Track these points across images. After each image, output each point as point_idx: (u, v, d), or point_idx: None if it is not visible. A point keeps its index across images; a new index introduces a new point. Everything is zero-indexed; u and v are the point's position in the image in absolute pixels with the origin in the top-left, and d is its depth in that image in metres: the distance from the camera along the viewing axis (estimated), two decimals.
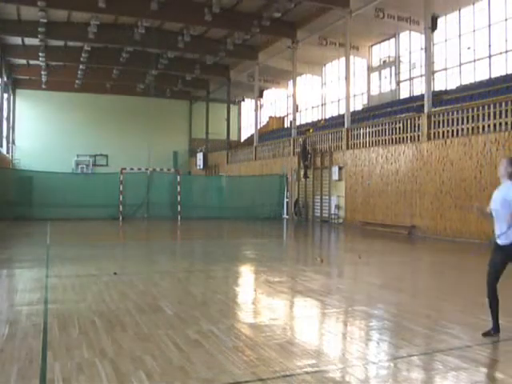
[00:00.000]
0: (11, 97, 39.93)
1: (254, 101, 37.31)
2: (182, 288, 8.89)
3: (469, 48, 23.46)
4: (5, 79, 35.32)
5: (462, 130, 17.86)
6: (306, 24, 27.58)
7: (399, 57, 28.00)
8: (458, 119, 18.15)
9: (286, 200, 28.78)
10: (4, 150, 35.17)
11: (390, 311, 7.07)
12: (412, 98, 25.17)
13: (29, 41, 31.11)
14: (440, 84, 24.88)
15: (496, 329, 5.74)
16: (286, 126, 37.94)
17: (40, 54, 31.17)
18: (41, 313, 6.66)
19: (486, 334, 5.70)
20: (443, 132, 18.65)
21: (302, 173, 26.97)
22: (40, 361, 4.79)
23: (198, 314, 6.71)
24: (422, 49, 23.46)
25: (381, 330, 6.17)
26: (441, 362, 4.93)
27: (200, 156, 41.81)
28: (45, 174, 27.17)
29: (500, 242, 5.72)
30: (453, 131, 18.24)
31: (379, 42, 29.30)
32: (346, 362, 4.97)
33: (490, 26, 22.25)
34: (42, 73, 36.04)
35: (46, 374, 4.43)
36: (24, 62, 36.12)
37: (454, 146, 17.89)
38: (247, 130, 44.91)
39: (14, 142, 40.08)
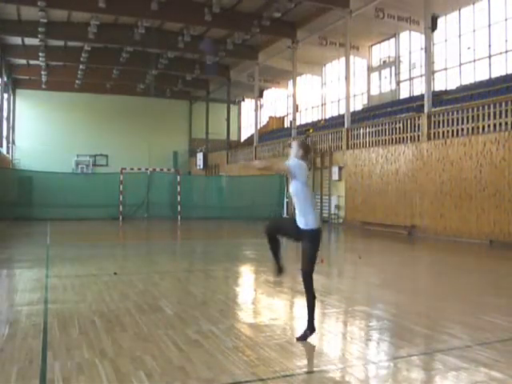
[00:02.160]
0: (11, 97, 39.93)
1: (253, 101, 37.31)
2: (182, 288, 8.89)
3: (469, 48, 23.47)
4: (5, 79, 35.30)
5: (462, 130, 17.86)
6: (306, 24, 27.58)
7: (399, 57, 28.00)
8: (458, 119, 18.16)
9: (286, 200, 28.76)
10: (4, 150, 35.16)
11: (390, 311, 7.07)
12: (412, 98, 25.17)
13: (29, 41, 31.10)
14: (440, 84, 24.89)
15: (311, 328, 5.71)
16: (286, 126, 37.93)
17: (40, 53, 31.16)
18: (41, 313, 6.66)
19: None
20: (443, 132, 18.66)
21: None
22: (40, 361, 4.80)
23: (198, 313, 6.71)
24: (421, 49, 23.46)
25: (381, 329, 6.17)
26: (441, 362, 4.93)
27: (200, 156, 41.80)
28: (45, 174, 27.18)
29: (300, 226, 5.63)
30: (453, 131, 18.24)
31: (379, 42, 29.31)
32: (345, 362, 4.97)
33: (489, 26, 22.25)
34: (42, 73, 36.03)
35: (46, 374, 4.43)
36: (24, 62, 36.11)
37: (454, 145, 17.89)
38: (247, 130, 44.90)
39: (13, 142, 40.09)
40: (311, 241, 5.62)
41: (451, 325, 6.26)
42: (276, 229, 5.99)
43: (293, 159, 5.75)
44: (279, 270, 5.99)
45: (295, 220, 5.71)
